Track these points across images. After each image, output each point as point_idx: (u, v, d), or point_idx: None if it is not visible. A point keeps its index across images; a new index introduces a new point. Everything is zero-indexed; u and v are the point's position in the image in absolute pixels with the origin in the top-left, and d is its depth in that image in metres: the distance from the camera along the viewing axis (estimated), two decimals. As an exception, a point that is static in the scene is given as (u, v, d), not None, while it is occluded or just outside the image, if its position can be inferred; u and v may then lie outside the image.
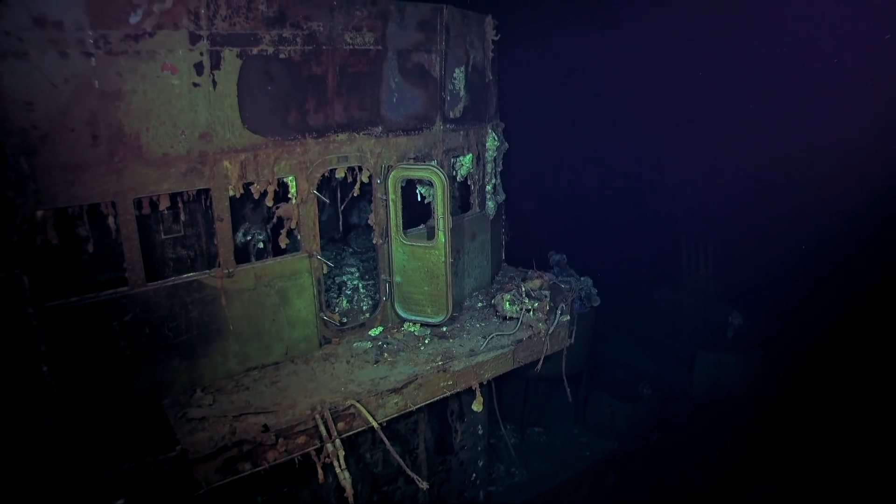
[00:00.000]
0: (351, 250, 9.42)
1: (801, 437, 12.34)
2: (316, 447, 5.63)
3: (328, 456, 5.60)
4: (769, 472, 11.97)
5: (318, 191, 6.41)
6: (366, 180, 6.84)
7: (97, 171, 5.06)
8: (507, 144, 8.88)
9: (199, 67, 5.38)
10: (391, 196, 6.85)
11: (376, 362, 6.64)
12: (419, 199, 7.54)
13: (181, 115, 5.37)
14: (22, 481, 4.67)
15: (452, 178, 7.91)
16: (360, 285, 8.15)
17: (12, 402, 4.99)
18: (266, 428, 5.38)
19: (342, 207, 8.33)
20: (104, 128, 5.01)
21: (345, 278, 8.34)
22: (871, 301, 13.83)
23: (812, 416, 12.59)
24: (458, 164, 7.93)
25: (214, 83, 5.49)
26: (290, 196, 6.29)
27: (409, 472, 6.23)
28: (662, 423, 13.23)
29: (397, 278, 7.20)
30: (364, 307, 7.68)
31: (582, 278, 10.29)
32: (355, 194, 7.05)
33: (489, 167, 8.48)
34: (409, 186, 7.29)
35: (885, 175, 15.16)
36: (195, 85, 5.39)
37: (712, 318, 15.30)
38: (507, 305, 7.67)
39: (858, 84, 15.78)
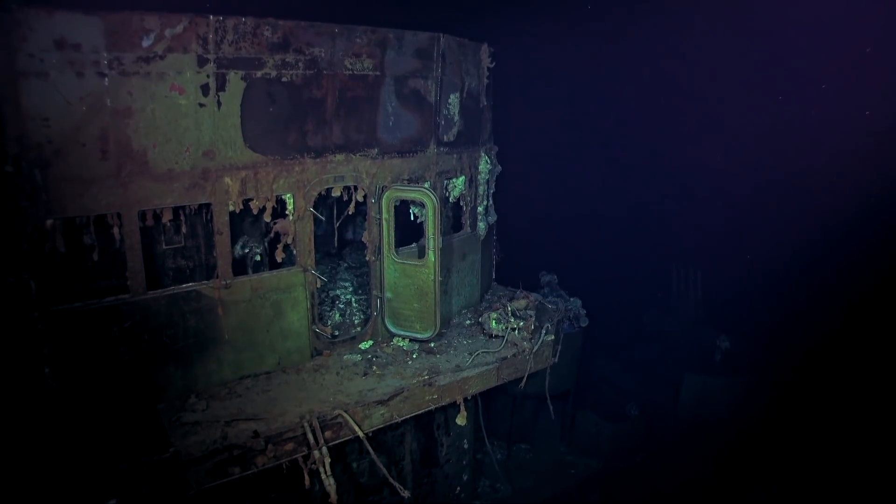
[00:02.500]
0: (346, 265, 9.68)
1: (786, 459, 12.52)
2: (303, 454, 5.87)
3: (315, 462, 5.83)
4: (754, 494, 12.14)
5: (314, 208, 6.70)
6: (361, 199, 7.14)
7: (105, 184, 5.35)
8: (499, 167, 9.19)
9: (205, 89, 5.69)
10: (384, 215, 7.14)
11: (365, 374, 6.89)
12: (412, 218, 7.83)
13: (186, 134, 5.68)
14: (21, 478, 4.89)
15: (445, 199, 8.21)
16: (353, 300, 8.41)
17: (14, 402, 5.22)
18: (256, 434, 5.61)
19: (338, 223, 8.62)
20: (114, 143, 5.31)
21: (338, 292, 8.60)
22: (855, 325, 14.09)
23: (797, 438, 12.79)
24: (450, 185, 8.23)
25: (219, 104, 5.80)
26: (287, 212, 6.58)
27: (390, 479, 6.45)
28: (648, 444, 13.41)
29: (388, 294, 7.47)
30: (356, 321, 7.93)
31: (571, 299, 10.53)
32: (350, 212, 7.34)
33: (481, 189, 8.79)
34: (402, 206, 7.59)
35: (870, 203, 15.52)
36: (201, 105, 5.70)
37: (700, 341, 15.54)
38: (494, 324, 7.93)
39: (843, 114, 16.19)
